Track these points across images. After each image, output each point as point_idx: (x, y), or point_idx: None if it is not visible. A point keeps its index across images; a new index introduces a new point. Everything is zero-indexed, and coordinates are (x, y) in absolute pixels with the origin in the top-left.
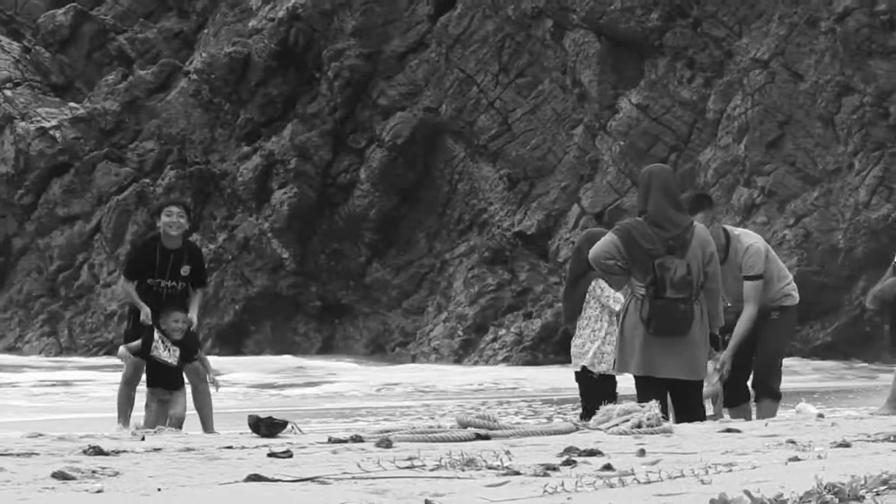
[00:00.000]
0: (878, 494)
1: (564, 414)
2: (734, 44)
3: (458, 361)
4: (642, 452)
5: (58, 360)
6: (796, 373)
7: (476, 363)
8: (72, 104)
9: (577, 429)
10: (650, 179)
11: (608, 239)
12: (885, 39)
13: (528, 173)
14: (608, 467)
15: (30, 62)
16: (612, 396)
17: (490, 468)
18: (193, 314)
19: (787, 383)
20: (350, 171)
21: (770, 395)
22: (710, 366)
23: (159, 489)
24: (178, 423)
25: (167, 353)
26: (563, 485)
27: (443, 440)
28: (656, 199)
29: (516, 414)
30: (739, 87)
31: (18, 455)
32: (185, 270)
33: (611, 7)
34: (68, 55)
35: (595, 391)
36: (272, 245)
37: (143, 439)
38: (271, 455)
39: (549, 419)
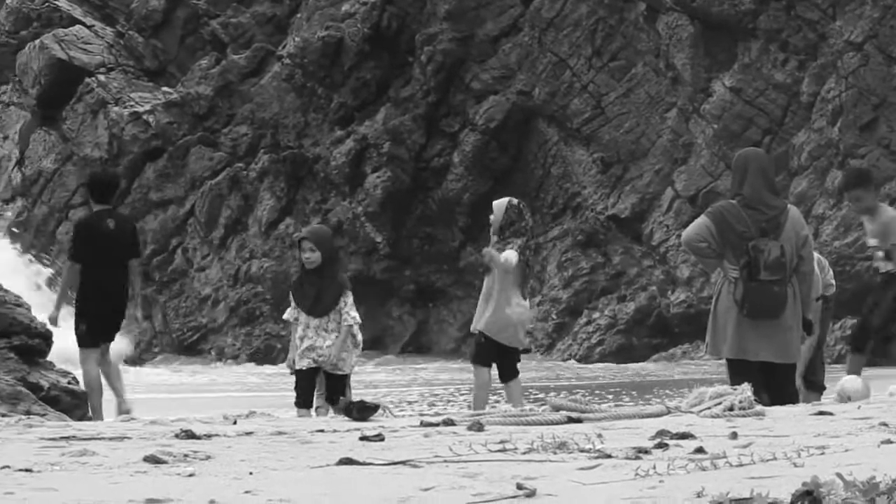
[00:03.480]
0: None
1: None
2: (828, 27)
3: (552, 345)
4: (734, 435)
5: None
6: None
7: (570, 346)
8: (165, 89)
9: (670, 412)
10: (746, 163)
11: (700, 222)
12: None
13: (622, 157)
14: (700, 450)
15: (123, 47)
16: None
17: (582, 451)
18: None
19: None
20: (443, 155)
21: (816, 388)
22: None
23: (251, 473)
24: None
25: None
26: (654, 468)
27: (535, 423)
28: (752, 182)
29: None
30: (833, 70)
31: (111, 439)
32: None
33: None
34: (161, 40)
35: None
36: (366, 229)
37: (234, 423)
38: (363, 438)
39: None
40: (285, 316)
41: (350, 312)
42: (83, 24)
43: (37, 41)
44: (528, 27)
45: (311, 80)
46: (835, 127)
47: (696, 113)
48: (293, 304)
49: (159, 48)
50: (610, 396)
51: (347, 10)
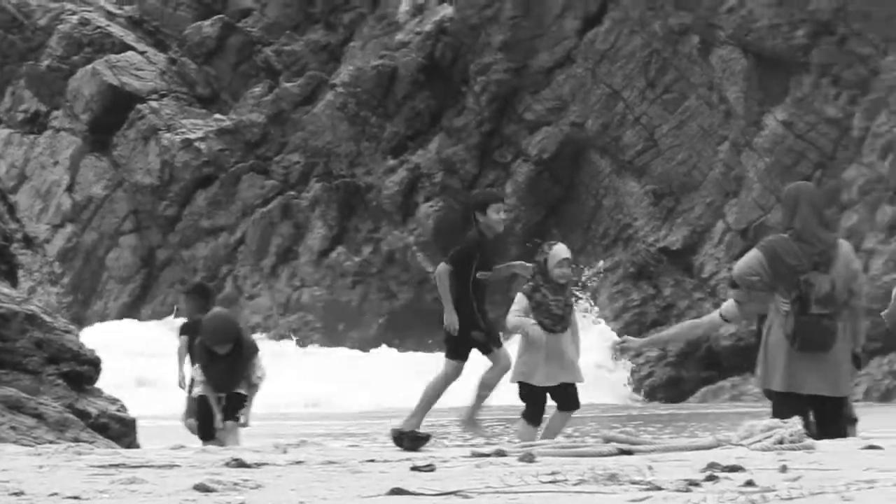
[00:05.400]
0: None
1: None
2: (880, 62)
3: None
4: (784, 468)
5: None
6: None
7: (620, 378)
8: (217, 116)
9: (720, 444)
10: (797, 196)
11: (752, 255)
12: None
13: (674, 189)
14: (750, 483)
15: (175, 73)
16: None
17: (633, 483)
18: None
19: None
20: (496, 185)
21: (851, 421)
22: None
23: (301, 502)
24: None
25: None
26: (705, 500)
27: (585, 455)
28: (803, 215)
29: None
30: (885, 105)
31: (160, 467)
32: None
33: (757, 24)
34: (214, 67)
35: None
36: (417, 259)
37: (284, 452)
38: (414, 468)
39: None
40: (192, 374)
41: (257, 373)
42: (135, 50)
43: (88, 67)
44: (581, 59)
45: (365, 108)
46: (885, 162)
47: (748, 146)
48: (201, 372)
49: (212, 75)
50: (654, 429)
51: (402, 39)
